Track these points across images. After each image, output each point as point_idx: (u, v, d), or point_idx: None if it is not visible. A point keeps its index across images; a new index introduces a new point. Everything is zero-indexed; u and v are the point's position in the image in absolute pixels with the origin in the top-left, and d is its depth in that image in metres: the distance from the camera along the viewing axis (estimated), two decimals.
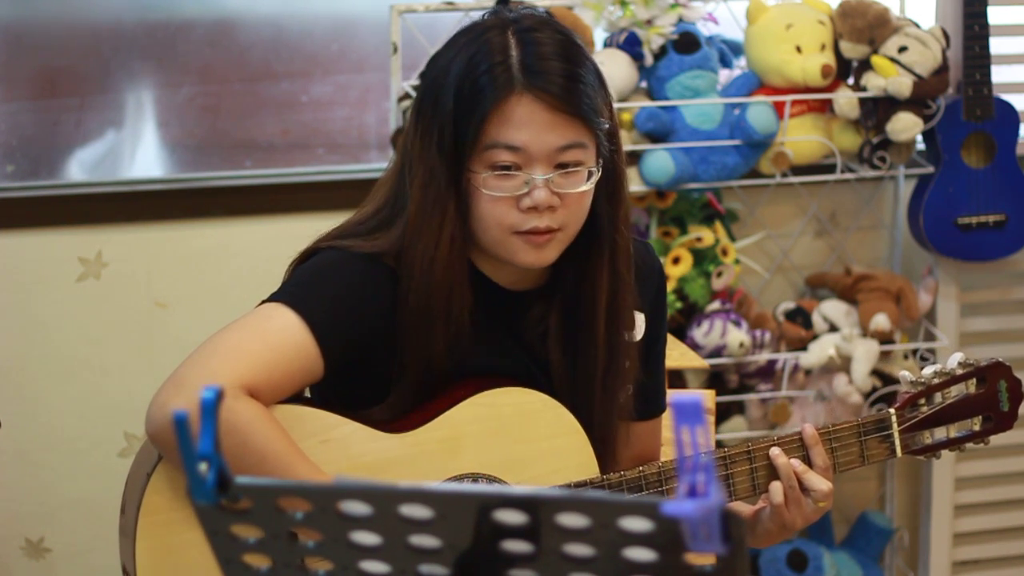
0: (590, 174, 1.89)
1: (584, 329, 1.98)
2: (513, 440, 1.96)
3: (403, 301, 1.91)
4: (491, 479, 1.97)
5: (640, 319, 2.07)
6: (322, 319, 1.89)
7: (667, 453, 2.19)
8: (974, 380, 2.07)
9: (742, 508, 2.03)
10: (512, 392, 1.97)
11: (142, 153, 3.29)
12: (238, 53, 3.29)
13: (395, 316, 1.92)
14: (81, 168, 3.26)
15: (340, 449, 1.91)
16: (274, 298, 1.91)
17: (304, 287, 1.92)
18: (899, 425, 2.04)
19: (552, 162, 1.87)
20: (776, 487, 1.97)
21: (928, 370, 2.07)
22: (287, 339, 1.87)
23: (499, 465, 1.96)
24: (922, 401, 2.06)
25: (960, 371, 2.06)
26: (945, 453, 2.11)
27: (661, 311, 2.12)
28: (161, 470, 1.88)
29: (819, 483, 1.97)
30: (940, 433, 2.07)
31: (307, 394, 2.02)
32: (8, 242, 3.10)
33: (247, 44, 3.29)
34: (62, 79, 3.24)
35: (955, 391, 2.07)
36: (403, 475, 1.92)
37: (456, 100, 1.86)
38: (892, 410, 2.04)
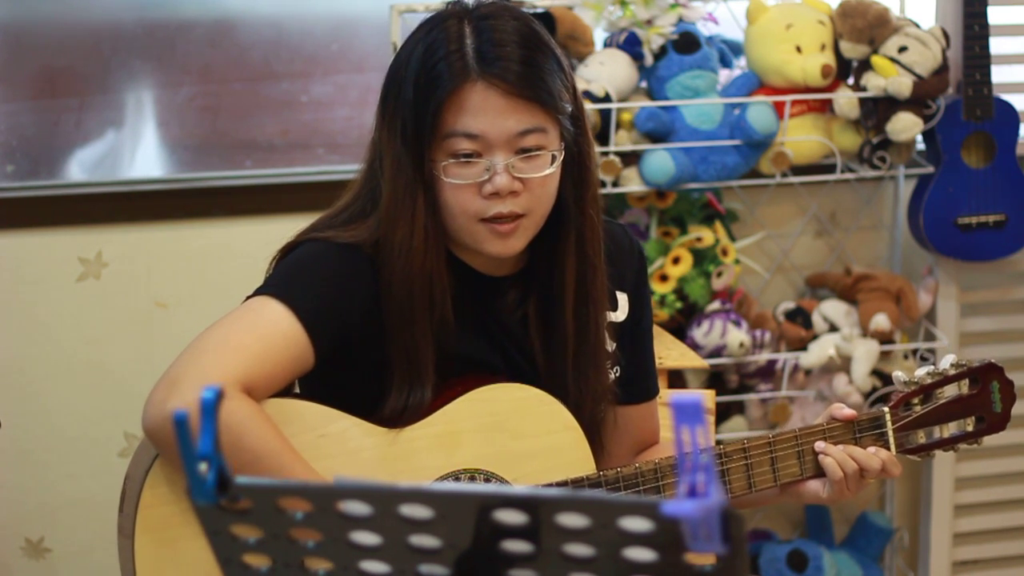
0: (553, 158, 1.91)
1: (554, 313, 2.00)
2: (510, 436, 1.97)
3: (386, 291, 1.93)
4: (488, 475, 1.97)
5: (623, 299, 2.08)
6: (309, 308, 1.90)
7: (667, 442, 2.21)
8: (967, 381, 2.09)
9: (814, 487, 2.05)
10: (509, 388, 1.98)
11: (142, 153, 3.29)
12: (238, 53, 3.29)
13: (380, 304, 1.94)
14: (81, 168, 3.25)
15: (337, 443, 1.92)
16: (260, 292, 1.93)
17: (288, 279, 1.94)
18: (893, 424, 2.05)
19: (512, 148, 1.88)
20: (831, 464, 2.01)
21: (921, 370, 2.08)
22: (277, 331, 1.88)
23: (496, 461, 1.97)
24: (916, 401, 2.07)
25: (953, 372, 2.08)
26: (945, 453, 2.12)
27: (643, 292, 2.13)
28: (159, 467, 1.89)
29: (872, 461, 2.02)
30: (934, 433, 2.08)
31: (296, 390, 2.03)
32: (8, 242, 3.10)
33: (247, 44, 3.29)
34: (62, 79, 3.23)
35: (948, 391, 2.08)
36: (400, 470, 1.93)
37: (414, 90, 1.89)
38: (887, 408, 2.06)
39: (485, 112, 1.87)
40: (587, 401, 2.02)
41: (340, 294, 1.93)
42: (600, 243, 2.00)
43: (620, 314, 2.09)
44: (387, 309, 1.93)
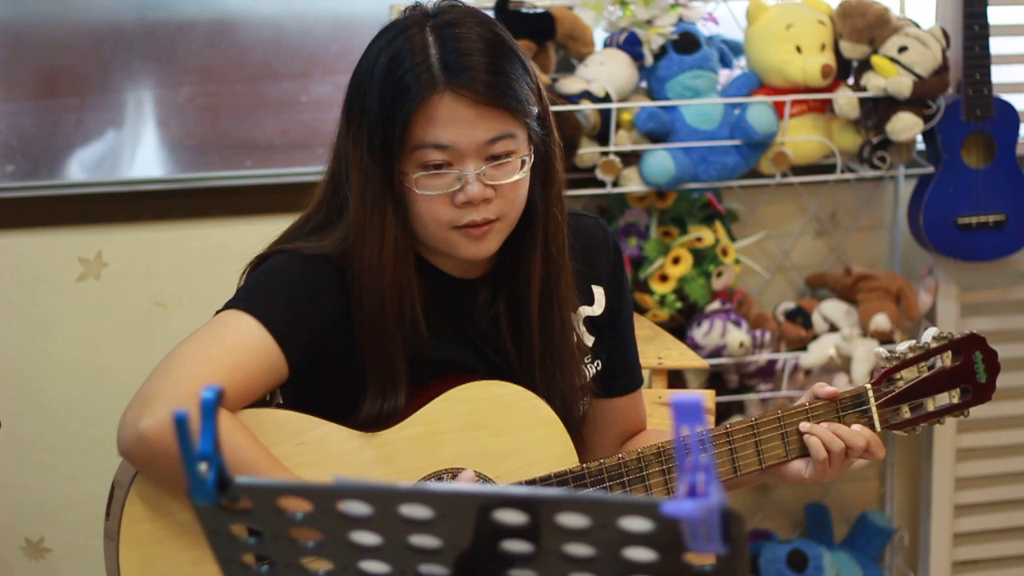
0: (523, 163, 1.90)
1: (522, 312, 2.00)
2: (490, 433, 1.97)
3: (356, 303, 1.92)
4: None
5: (599, 293, 2.08)
6: (279, 319, 1.90)
7: (653, 429, 2.21)
8: (950, 353, 2.07)
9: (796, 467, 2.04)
10: (486, 385, 1.98)
11: (142, 153, 3.29)
12: (238, 53, 3.29)
13: (349, 314, 1.93)
14: (81, 168, 3.25)
15: (317, 450, 1.91)
16: (230, 305, 1.93)
17: (257, 291, 1.94)
18: (876, 400, 2.04)
19: (482, 155, 1.87)
20: (816, 444, 2.00)
21: (903, 345, 2.07)
22: (247, 342, 1.88)
23: (478, 459, 1.96)
24: (899, 376, 2.06)
25: (935, 344, 2.06)
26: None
27: (621, 283, 2.12)
28: (140, 482, 1.88)
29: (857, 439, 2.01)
30: (919, 407, 2.07)
31: (280, 401, 2.03)
32: (8, 242, 3.10)
33: (247, 44, 3.29)
34: (62, 79, 3.23)
35: (931, 364, 2.07)
36: (382, 473, 1.93)
37: (380, 103, 1.87)
38: (868, 385, 2.05)
39: (454, 123, 1.85)
40: (556, 399, 2.02)
41: (309, 304, 1.92)
42: (564, 241, 2.00)
43: (596, 308, 2.09)
44: (358, 321, 1.93)
